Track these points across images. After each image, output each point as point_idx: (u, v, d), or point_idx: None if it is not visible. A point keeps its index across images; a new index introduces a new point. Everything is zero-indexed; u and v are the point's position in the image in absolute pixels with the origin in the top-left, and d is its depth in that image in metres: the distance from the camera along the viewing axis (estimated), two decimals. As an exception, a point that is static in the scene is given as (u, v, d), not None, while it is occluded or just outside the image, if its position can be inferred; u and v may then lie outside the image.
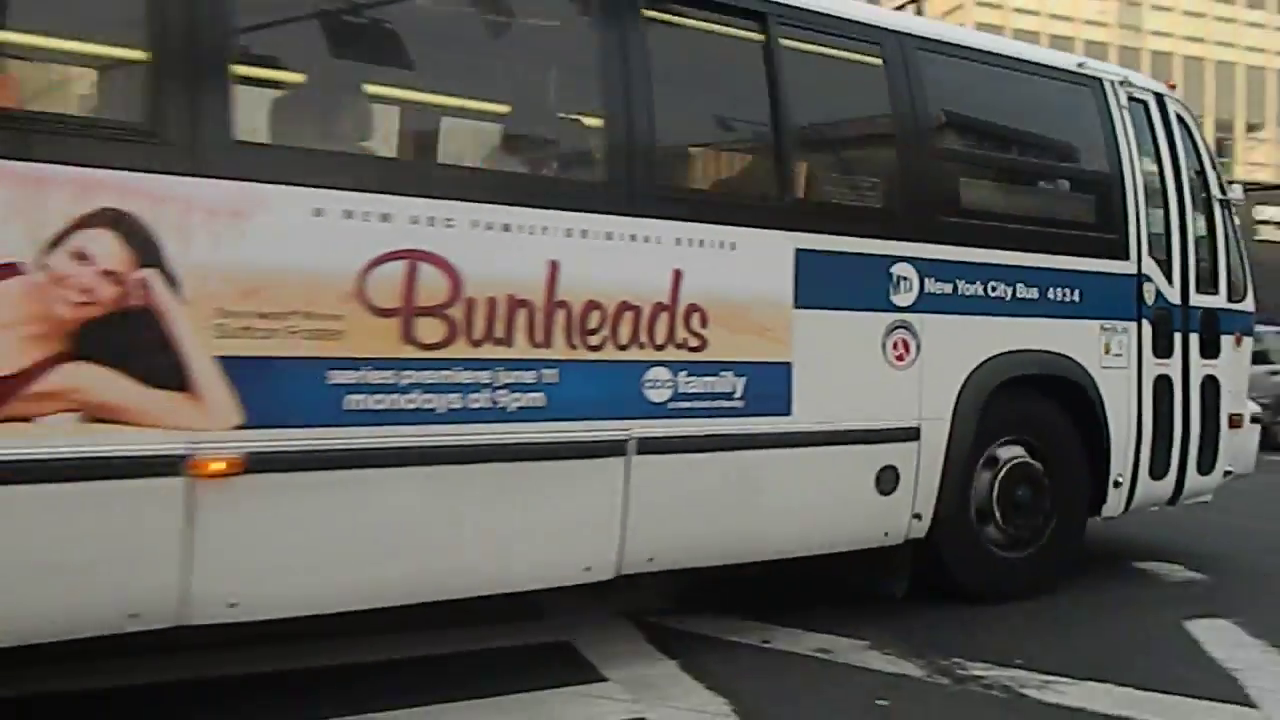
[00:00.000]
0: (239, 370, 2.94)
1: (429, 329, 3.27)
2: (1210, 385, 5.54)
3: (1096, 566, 5.63)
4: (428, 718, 3.31)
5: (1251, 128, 31.55)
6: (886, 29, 4.62)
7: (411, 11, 3.81)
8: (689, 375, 3.80)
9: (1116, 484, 5.13)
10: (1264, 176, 31.44)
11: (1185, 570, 5.69)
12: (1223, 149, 30.86)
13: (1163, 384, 5.30)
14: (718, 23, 4.15)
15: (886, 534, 4.38)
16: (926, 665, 3.92)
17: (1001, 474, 4.82)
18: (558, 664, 3.84)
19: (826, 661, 3.98)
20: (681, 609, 4.60)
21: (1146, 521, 7.30)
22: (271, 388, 3.02)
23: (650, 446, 3.69)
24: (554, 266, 3.49)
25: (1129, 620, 4.71)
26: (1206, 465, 5.54)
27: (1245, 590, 5.27)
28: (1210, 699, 3.60)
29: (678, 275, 3.76)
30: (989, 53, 5.16)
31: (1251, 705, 3.55)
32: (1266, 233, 31.28)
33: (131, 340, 2.83)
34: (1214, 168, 5.91)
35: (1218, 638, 4.37)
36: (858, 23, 4.53)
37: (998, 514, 4.82)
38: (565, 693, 3.52)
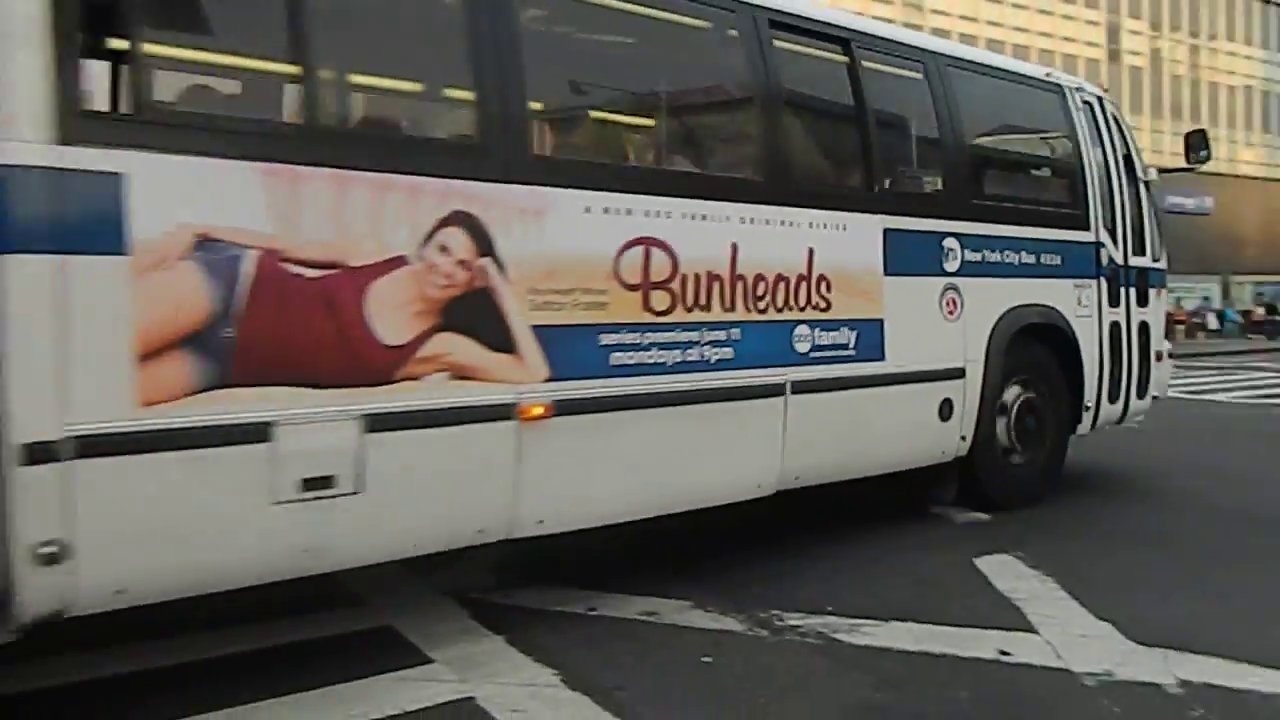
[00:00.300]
0: (544, 335, 3.74)
1: (660, 299, 4.14)
2: (1143, 328, 6.96)
3: (896, 514, 6.02)
4: (251, 716, 3.15)
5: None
6: (932, 51, 5.89)
7: (644, 67, 4.99)
8: (821, 331, 4.80)
9: (1087, 408, 6.44)
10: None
11: (969, 512, 6.09)
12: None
13: (1115, 328, 6.66)
14: (818, 49, 5.23)
15: (944, 452, 5.57)
16: (747, 619, 4.07)
17: (1016, 404, 6.04)
18: (381, 649, 3.72)
19: (652, 624, 4.05)
20: (505, 584, 4.56)
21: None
22: (565, 348, 3.81)
23: (799, 388, 4.66)
24: (734, 247, 4.42)
25: (926, 561, 5.04)
26: (1143, 391, 6.99)
27: (1022, 527, 5.74)
28: (999, 628, 3.92)
29: (811, 252, 4.75)
30: (994, 67, 6.52)
31: (1034, 631, 3.89)
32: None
33: (478, 314, 3.59)
34: (1138, 155, 7.17)
35: (1002, 571, 4.76)
36: (913, 46, 5.87)
37: (1014, 435, 6.04)
38: (390, 678, 3.42)
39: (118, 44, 3.25)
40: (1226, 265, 40.06)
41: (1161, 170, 8.15)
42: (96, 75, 3.22)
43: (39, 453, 2.69)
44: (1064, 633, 3.85)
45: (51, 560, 2.71)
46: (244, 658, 3.63)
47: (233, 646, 3.69)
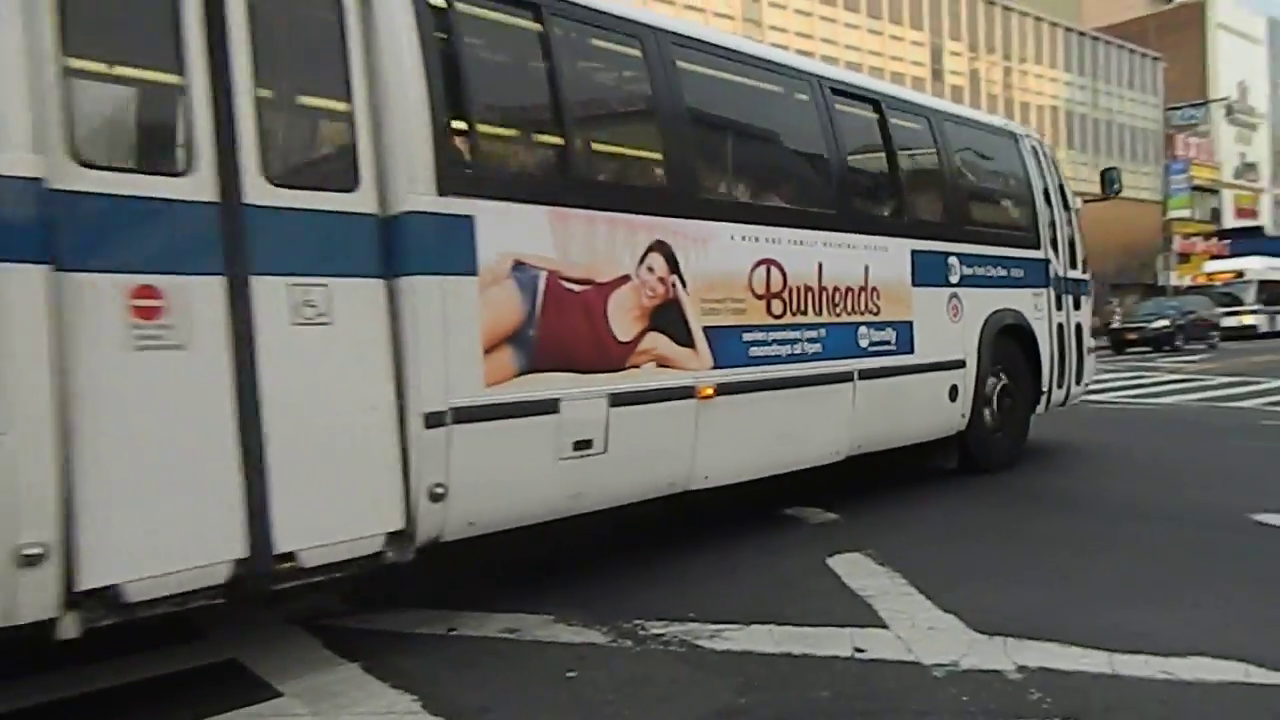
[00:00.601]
0: (710, 334, 5.09)
1: (776, 305, 5.54)
2: (1078, 328, 8.76)
3: (752, 518, 6.15)
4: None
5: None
6: (935, 109, 7.58)
7: (759, 133, 6.43)
8: (874, 330, 6.27)
9: (1043, 393, 8.18)
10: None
11: (824, 512, 6.36)
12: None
13: (1060, 328, 8.37)
14: (860, 109, 6.71)
15: (951, 427, 7.14)
16: (610, 631, 4.06)
17: (997, 389, 7.60)
18: (226, 685, 3.51)
19: (515, 641, 3.98)
20: (360, 609, 4.39)
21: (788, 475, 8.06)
22: (722, 343, 5.16)
23: (863, 375, 6.13)
24: (820, 265, 5.86)
25: (782, 564, 5.16)
26: (1080, 379, 8.86)
27: (872, 526, 5.98)
28: (854, 625, 4.05)
29: (867, 269, 6.22)
30: (971, 119, 8.20)
31: (885, 626, 4.05)
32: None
33: (672, 318, 4.90)
34: (1067, 187, 8.93)
35: (854, 569, 4.93)
36: (921, 105, 7.47)
37: (996, 414, 7.63)
38: (237, 715, 3.22)
39: (469, 124, 4.31)
40: (1040, 272, 43.22)
41: (1085, 199, 10.04)
42: (457, 145, 4.20)
43: (433, 419, 3.79)
44: (913, 627, 4.02)
45: (438, 499, 3.82)
46: (84, 700, 3.37)
47: (70, 689, 3.42)
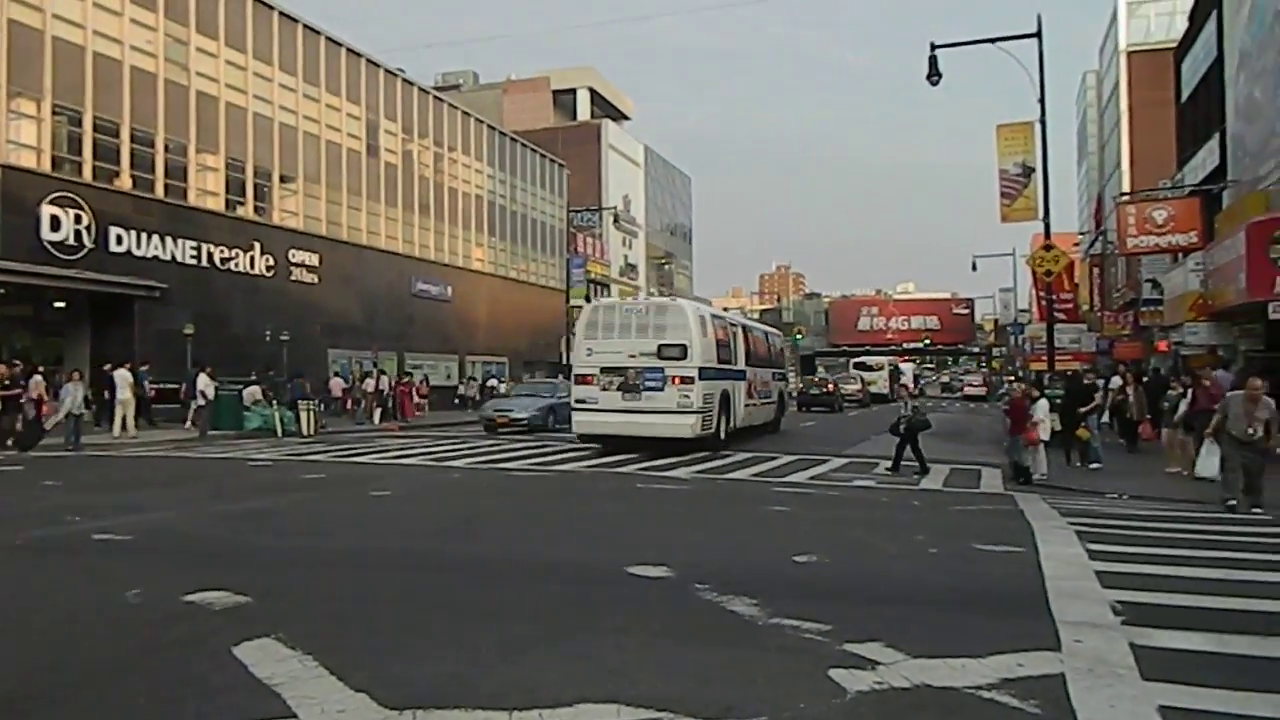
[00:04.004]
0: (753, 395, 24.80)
1: (758, 388, 25.73)
2: (784, 393, 31.07)
3: (149, 611, 5.45)
4: None
5: (285, 179, 34.88)
6: (769, 329, 32.12)
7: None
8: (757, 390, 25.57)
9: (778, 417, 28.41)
10: (294, 224, 35.20)
11: (231, 595, 5.89)
12: (260, 194, 33.51)
13: (782, 392, 30.15)
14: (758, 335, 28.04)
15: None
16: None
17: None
18: None
19: None
20: None
21: (197, 551, 7.40)
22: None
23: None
24: (757, 375, 25.63)
25: (181, 659, 4.66)
26: (782, 413, 29.38)
27: (285, 605, 5.70)
28: (258, 719, 3.78)
29: (759, 376, 25.83)
30: (760, 326, 30.50)
31: (293, 716, 3.85)
32: (298, 274, 35.10)
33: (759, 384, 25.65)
34: (773, 343, 30.47)
35: (262, 657, 4.63)
36: (767, 329, 31.99)
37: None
38: None
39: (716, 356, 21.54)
40: (464, 345, 45.96)
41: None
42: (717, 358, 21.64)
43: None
44: (323, 713, 3.88)
45: None
46: None
47: None
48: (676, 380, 18.61)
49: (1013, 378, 40.34)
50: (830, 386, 45.83)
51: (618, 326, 19.43)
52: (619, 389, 18.86)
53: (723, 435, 20.23)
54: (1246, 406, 11.12)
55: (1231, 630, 5.35)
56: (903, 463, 15.91)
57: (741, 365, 22.70)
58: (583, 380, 19.35)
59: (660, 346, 18.81)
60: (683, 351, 18.75)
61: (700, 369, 18.84)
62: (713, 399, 19.58)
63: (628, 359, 18.96)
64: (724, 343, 21.33)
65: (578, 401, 19.29)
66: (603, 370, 19.06)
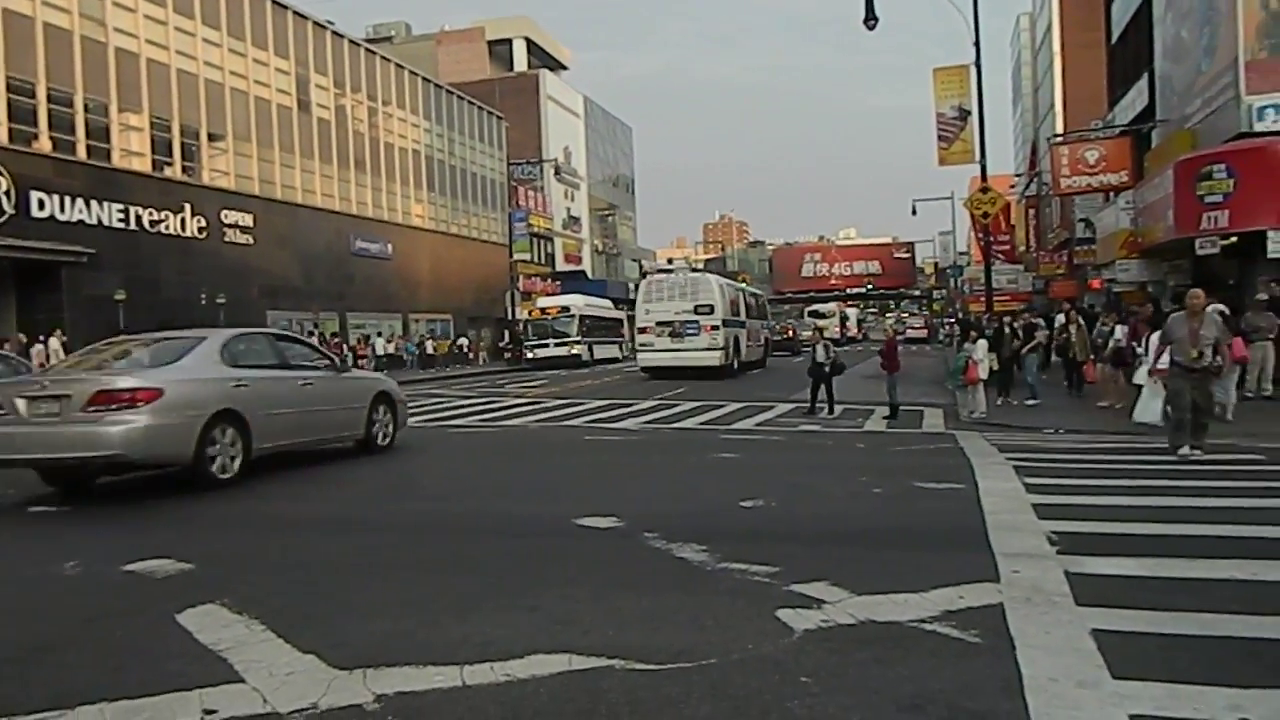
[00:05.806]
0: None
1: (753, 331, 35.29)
2: (765, 339, 39.23)
3: (88, 584, 5.35)
4: None
5: (213, 137, 33.82)
6: (749, 288, 40.99)
7: None
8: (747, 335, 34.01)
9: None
10: (225, 184, 34.25)
11: (174, 562, 5.81)
12: (189, 154, 32.50)
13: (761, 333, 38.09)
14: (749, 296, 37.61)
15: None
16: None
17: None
18: None
19: None
20: None
21: (136, 521, 7.26)
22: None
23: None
24: (746, 326, 33.94)
25: (125, 627, 4.59)
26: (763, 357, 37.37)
27: (229, 571, 5.63)
28: (205, 685, 3.73)
29: (746, 326, 33.85)
30: (750, 289, 40.14)
31: (241, 679, 3.81)
32: (232, 235, 34.23)
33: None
34: (758, 298, 40.46)
35: (206, 623, 4.57)
36: (752, 290, 40.98)
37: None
38: None
39: (735, 312, 32.57)
40: (406, 304, 45.34)
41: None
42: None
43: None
44: (271, 675, 3.84)
45: None
46: None
47: None
48: (707, 328, 28.23)
49: (953, 320, 43.05)
50: (790, 332, 50.99)
51: (665, 293, 29.41)
52: (669, 335, 28.67)
53: (735, 366, 29.61)
54: (1190, 325, 9.92)
55: (1160, 554, 5.56)
56: (818, 403, 17.16)
57: (743, 318, 32.18)
58: (644, 330, 29.39)
59: (695, 306, 28.53)
60: (710, 309, 28.48)
61: (723, 320, 28.62)
62: (729, 341, 29.07)
63: (674, 315, 28.66)
64: (735, 302, 31.09)
65: (641, 345, 29.71)
66: (657, 323, 28.89)
